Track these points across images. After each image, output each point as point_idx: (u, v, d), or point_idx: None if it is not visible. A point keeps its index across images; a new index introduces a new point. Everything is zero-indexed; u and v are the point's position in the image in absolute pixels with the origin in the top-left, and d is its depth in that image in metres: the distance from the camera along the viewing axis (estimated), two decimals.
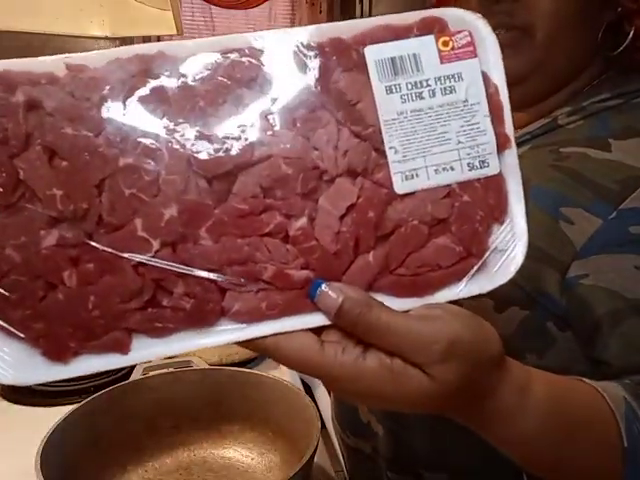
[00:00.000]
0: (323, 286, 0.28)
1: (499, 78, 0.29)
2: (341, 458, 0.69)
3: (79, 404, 0.56)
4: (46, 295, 0.27)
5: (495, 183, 0.29)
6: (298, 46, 0.28)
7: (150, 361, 0.91)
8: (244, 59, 0.27)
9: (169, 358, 0.89)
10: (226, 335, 0.28)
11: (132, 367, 0.83)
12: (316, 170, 0.27)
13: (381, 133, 0.28)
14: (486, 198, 0.29)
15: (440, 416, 0.33)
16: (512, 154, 0.30)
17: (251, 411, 0.62)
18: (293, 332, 0.27)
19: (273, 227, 0.27)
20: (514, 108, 0.39)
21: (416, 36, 0.28)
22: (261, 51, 0.28)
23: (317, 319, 0.28)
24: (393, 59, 0.28)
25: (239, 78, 0.27)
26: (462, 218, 0.29)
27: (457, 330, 0.28)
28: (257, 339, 0.28)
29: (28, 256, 0.26)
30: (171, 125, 0.27)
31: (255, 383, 0.63)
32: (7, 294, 0.26)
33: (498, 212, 0.29)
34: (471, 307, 0.37)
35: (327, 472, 0.65)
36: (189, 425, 0.63)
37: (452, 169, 0.28)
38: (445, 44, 0.28)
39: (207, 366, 0.70)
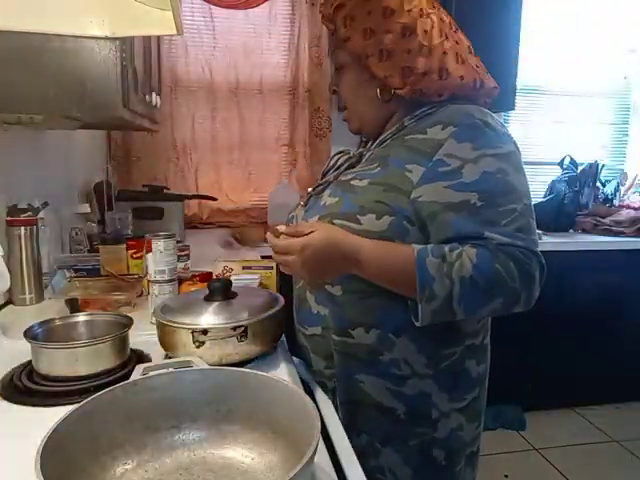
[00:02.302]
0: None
1: None
2: (305, 351, 1.00)
3: (79, 404, 0.56)
4: None
5: None
6: None
7: (150, 361, 0.91)
8: None
9: (169, 358, 0.89)
10: None
11: (132, 367, 0.83)
12: None
13: None
14: None
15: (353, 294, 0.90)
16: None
17: (251, 411, 0.63)
18: None
19: None
20: (370, 137, 1.05)
21: None
22: None
23: None
24: None
25: None
26: None
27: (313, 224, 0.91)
28: None
29: None
30: None
31: (255, 383, 0.63)
32: None
33: None
34: (364, 220, 0.85)
35: (327, 472, 0.65)
36: (189, 425, 0.63)
37: None
38: None
39: (207, 366, 0.70)
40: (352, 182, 0.90)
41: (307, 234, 0.82)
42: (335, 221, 0.88)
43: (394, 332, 0.88)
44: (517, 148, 0.87)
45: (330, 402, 0.88)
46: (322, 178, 1.04)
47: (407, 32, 0.88)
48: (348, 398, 0.93)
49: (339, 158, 1.06)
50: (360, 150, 1.01)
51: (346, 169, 0.98)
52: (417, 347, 0.88)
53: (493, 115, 0.89)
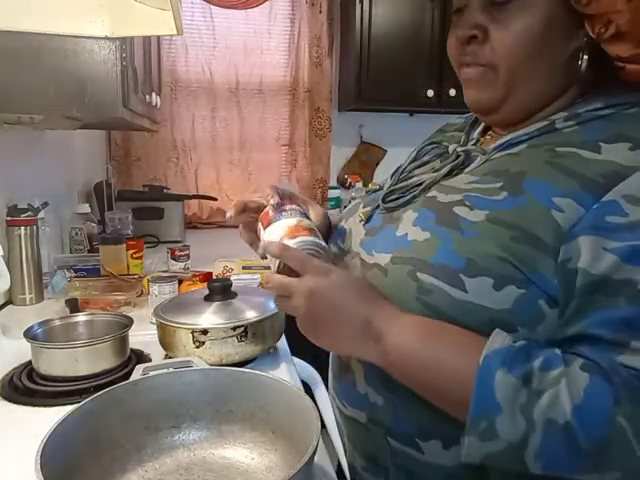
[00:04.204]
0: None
1: None
2: (339, 428, 0.72)
3: (79, 404, 0.56)
4: None
5: None
6: None
7: (150, 361, 0.91)
8: None
9: (169, 358, 0.89)
10: None
11: (132, 367, 0.84)
12: None
13: None
14: None
15: None
16: None
17: (251, 411, 0.63)
18: None
19: None
20: (498, 127, 0.65)
21: None
22: None
23: None
24: None
25: None
26: None
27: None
28: None
29: None
30: None
31: (255, 383, 0.63)
32: None
33: None
34: (472, 285, 0.52)
35: (327, 472, 0.65)
36: (189, 425, 0.63)
37: None
38: None
39: (207, 366, 0.70)
40: (457, 209, 0.56)
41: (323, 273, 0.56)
42: (419, 275, 0.55)
43: None
44: None
45: (328, 397, 0.82)
46: (398, 181, 0.69)
47: None
48: None
49: (429, 151, 0.70)
50: (466, 148, 0.64)
51: (445, 176, 0.63)
52: None
53: None
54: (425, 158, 0.70)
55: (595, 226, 0.49)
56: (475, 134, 0.70)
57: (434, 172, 0.64)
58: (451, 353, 0.51)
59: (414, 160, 0.70)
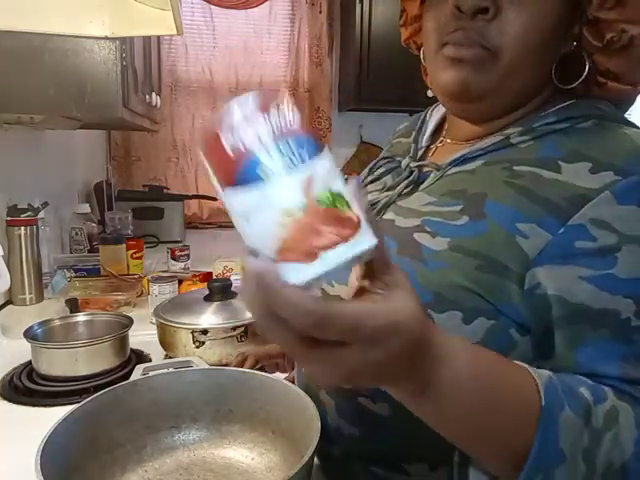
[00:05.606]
0: None
1: None
2: None
3: (79, 404, 0.56)
4: None
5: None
6: None
7: (150, 361, 0.91)
8: None
9: (169, 358, 0.90)
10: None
11: (132, 367, 0.84)
12: None
13: None
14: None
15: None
16: None
17: (251, 411, 0.63)
18: None
19: None
20: (470, 121, 0.59)
21: None
22: None
23: None
24: None
25: None
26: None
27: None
28: None
29: None
30: None
31: (255, 383, 0.63)
32: None
33: None
34: (442, 321, 0.48)
35: None
36: (189, 425, 0.63)
37: None
38: None
39: (207, 366, 0.70)
40: (417, 236, 0.53)
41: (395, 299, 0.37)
42: None
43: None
44: None
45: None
46: None
47: None
48: None
49: (382, 164, 0.68)
50: (419, 164, 0.61)
51: (399, 195, 0.60)
52: None
53: None
54: (378, 172, 0.66)
55: (565, 253, 0.47)
56: (424, 141, 0.66)
57: (387, 190, 0.62)
58: (508, 393, 0.42)
59: (368, 175, 0.67)
